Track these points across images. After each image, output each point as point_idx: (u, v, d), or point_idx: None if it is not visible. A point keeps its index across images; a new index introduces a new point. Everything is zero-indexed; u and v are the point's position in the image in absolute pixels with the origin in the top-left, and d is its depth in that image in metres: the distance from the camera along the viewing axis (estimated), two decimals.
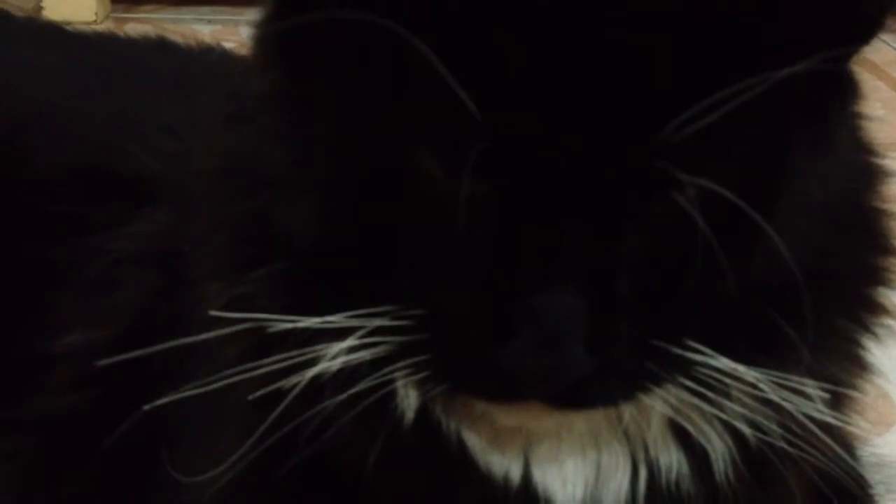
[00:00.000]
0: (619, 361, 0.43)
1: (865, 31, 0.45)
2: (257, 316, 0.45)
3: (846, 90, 0.47)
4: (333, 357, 0.44)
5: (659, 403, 0.46)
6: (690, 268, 0.43)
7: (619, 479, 0.49)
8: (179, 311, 0.55)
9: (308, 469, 0.48)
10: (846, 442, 0.58)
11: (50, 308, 0.64)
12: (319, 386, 0.45)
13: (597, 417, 0.48)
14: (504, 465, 0.48)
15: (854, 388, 0.51)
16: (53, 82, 0.74)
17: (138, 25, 1.59)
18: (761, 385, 0.45)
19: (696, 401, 0.46)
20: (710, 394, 0.45)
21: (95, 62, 0.78)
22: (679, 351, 0.44)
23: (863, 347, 0.51)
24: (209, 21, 1.63)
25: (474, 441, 0.48)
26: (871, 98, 1.57)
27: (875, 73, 1.55)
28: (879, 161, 0.51)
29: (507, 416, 0.47)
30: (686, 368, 0.44)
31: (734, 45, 0.41)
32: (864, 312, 0.51)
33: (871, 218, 0.51)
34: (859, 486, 0.62)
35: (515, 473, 0.49)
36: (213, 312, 0.46)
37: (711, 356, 0.44)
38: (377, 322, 0.44)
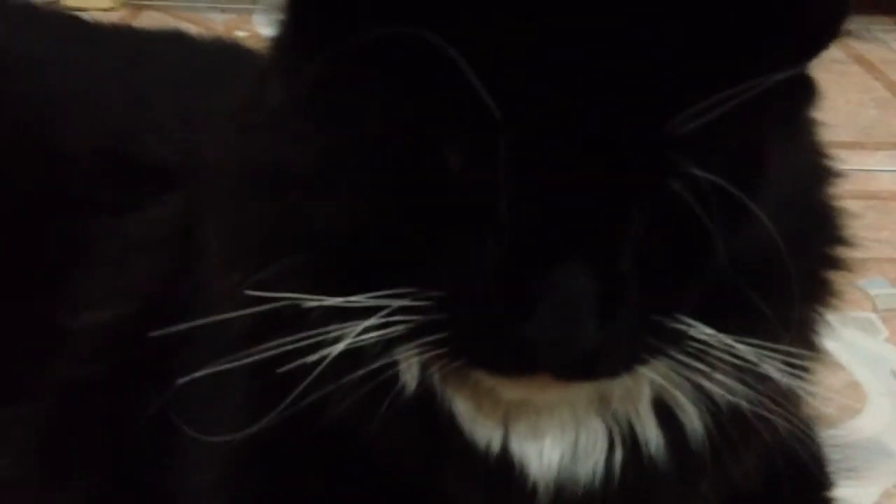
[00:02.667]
0: (624, 334, 0.47)
1: (828, 41, 0.49)
2: (285, 295, 0.48)
3: (808, 89, 0.52)
4: (357, 335, 0.48)
5: (653, 374, 0.50)
6: (684, 248, 0.47)
7: (595, 455, 0.53)
8: (190, 292, 0.59)
9: (312, 434, 0.52)
10: (807, 421, 0.62)
11: (72, 285, 0.67)
12: (330, 362, 0.48)
13: (580, 394, 0.52)
14: (486, 435, 0.52)
15: (810, 366, 0.55)
16: (76, 72, 0.78)
17: (154, 13, 1.63)
18: (749, 357, 0.49)
19: (685, 371, 0.50)
20: (697, 364, 0.49)
21: (115, 53, 0.82)
22: (674, 324, 0.48)
23: (817, 329, 0.56)
24: (222, 10, 1.65)
25: (463, 411, 0.52)
26: (865, 97, 1.56)
27: (872, 73, 1.57)
28: (831, 162, 0.56)
29: (515, 390, 0.50)
30: (679, 341, 0.48)
31: (735, 50, 0.45)
32: (819, 294, 0.55)
33: (825, 211, 0.55)
34: (817, 463, 0.66)
35: (496, 444, 0.52)
36: (248, 292, 0.49)
37: (702, 329, 0.48)
38: (398, 303, 0.47)
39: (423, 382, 0.51)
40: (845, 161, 0.57)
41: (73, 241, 0.68)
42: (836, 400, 0.82)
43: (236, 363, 0.49)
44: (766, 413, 0.52)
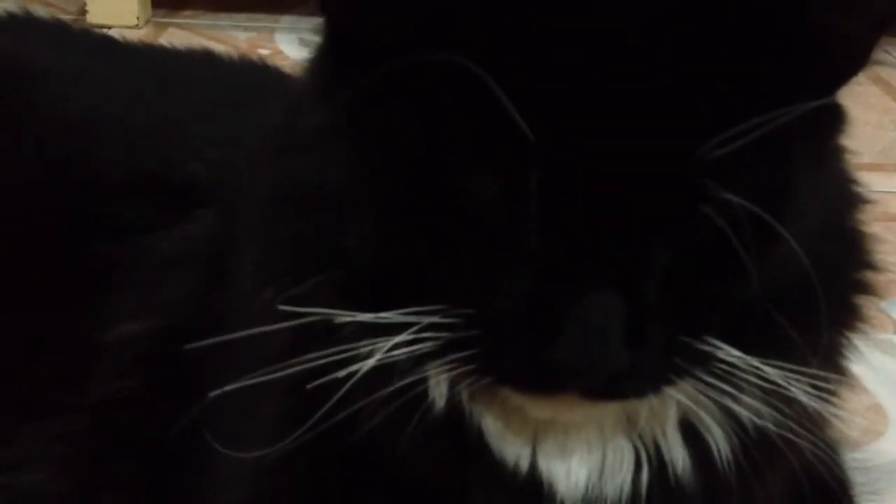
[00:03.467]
0: (652, 355, 0.47)
1: (857, 70, 0.51)
2: (318, 311, 0.49)
3: (837, 117, 0.52)
4: (388, 351, 0.49)
5: (680, 395, 0.50)
6: (713, 271, 0.48)
7: (622, 474, 0.53)
8: (220, 308, 0.60)
9: (343, 450, 0.53)
10: (831, 444, 0.63)
11: (105, 301, 0.68)
12: (361, 378, 0.49)
13: (607, 414, 0.52)
14: (515, 453, 0.53)
15: (837, 389, 0.56)
16: (108, 91, 0.79)
17: (177, 31, 1.64)
18: (777, 380, 0.50)
19: (712, 393, 0.50)
20: (724, 386, 0.50)
21: (147, 73, 0.83)
22: (702, 346, 0.48)
23: (845, 353, 0.56)
24: (245, 28, 1.67)
25: (491, 429, 0.52)
26: (885, 119, 1.55)
27: (891, 95, 1.57)
28: (860, 188, 0.56)
29: (543, 408, 0.51)
30: (707, 363, 0.49)
31: (765, 78, 0.46)
32: (848, 319, 0.56)
33: (854, 236, 0.56)
34: (841, 486, 0.66)
35: (524, 462, 0.53)
36: (282, 307, 0.50)
37: (730, 351, 0.49)
38: (428, 320, 0.48)
39: (452, 399, 0.52)
40: (865, 183, 0.58)
41: (107, 258, 0.69)
42: (859, 423, 0.82)
43: (268, 377, 0.50)
44: (792, 436, 0.52)
